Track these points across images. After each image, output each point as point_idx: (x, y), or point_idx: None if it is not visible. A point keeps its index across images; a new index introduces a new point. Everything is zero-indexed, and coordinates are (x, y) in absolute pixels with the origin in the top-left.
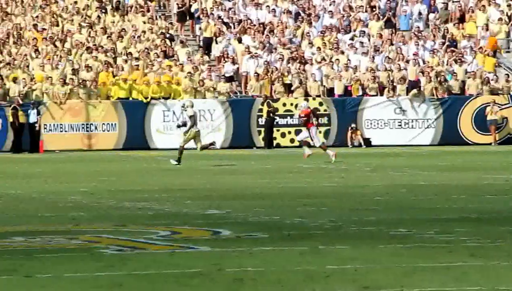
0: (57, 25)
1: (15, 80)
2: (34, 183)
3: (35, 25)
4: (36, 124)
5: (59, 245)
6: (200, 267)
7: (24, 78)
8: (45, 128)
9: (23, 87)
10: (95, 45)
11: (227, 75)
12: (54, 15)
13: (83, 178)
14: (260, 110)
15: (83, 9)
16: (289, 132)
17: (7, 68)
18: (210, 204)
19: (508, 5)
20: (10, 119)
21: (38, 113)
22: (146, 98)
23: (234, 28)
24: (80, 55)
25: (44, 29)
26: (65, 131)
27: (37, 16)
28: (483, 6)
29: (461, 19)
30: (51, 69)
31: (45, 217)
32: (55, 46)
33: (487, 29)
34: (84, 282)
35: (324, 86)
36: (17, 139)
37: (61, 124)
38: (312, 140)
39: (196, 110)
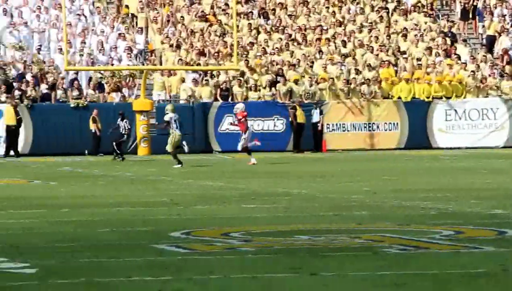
0: (340, 26)
1: (296, 82)
2: (318, 182)
3: (318, 26)
4: (318, 124)
5: (342, 244)
6: (484, 267)
7: (310, 77)
8: (327, 127)
9: (310, 87)
10: (381, 46)
11: None
12: (337, 16)
13: (366, 177)
14: None
15: (367, 10)
16: None
17: (291, 69)
18: (495, 204)
19: None
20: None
21: (321, 113)
22: (428, 97)
23: None
24: (362, 55)
25: (327, 29)
26: (347, 130)
27: (319, 18)
28: None
29: None
30: (335, 69)
31: (328, 216)
32: (336, 47)
33: None
34: (368, 281)
35: None
36: (296, 139)
37: (343, 123)
38: (241, 136)
39: (175, 116)
